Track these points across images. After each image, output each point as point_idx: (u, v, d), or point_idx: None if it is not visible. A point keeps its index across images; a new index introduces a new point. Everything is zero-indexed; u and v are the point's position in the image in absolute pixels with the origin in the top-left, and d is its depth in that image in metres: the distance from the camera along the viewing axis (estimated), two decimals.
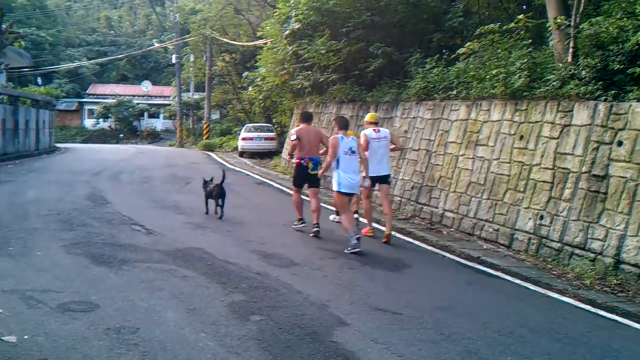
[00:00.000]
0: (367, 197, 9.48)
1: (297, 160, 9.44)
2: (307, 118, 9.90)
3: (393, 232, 9.32)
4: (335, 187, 8.60)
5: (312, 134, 9.48)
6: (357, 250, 7.96)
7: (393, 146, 9.69)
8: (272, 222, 10.23)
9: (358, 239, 8.08)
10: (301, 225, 9.45)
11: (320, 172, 9.26)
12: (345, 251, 7.99)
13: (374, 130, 9.35)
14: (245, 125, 28.58)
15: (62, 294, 5.45)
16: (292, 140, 9.56)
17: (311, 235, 8.98)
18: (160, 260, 6.95)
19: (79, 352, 4.22)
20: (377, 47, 14.20)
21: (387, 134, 9.51)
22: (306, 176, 9.42)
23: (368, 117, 9.87)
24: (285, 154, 19.77)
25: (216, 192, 10.16)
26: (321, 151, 9.51)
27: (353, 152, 8.44)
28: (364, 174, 8.92)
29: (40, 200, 10.97)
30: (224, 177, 10.33)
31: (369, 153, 9.03)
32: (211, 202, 10.34)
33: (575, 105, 8.22)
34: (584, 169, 7.82)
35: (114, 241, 7.82)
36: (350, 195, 8.73)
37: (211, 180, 10.55)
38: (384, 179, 9.33)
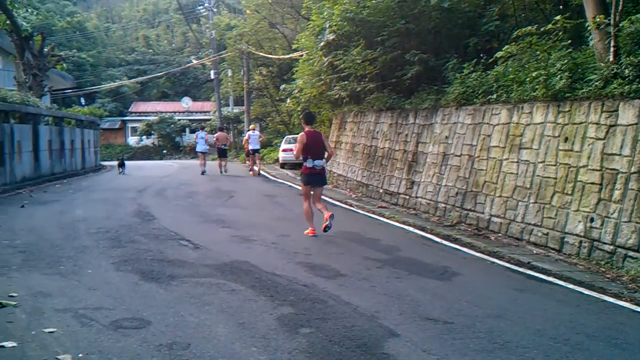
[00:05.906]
0: (251, 160, 23.78)
1: (218, 146, 23.99)
2: (202, 128, 27.12)
3: (441, 239, 9.68)
4: (196, 150, 25.21)
5: (222, 135, 24.34)
6: (202, 173, 23.46)
7: (261, 138, 24.05)
8: (317, 233, 10.22)
9: (203, 172, 23.41)
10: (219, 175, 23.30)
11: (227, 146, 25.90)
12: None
13: (252, 130, 23.39)
14: (286, 137, 28.77)
15: (114, 311, 5.54)
16: (215, 140, 24.20)
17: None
18: (208, 275, 7.03)
19: None
20: (413, 54, 14.13)
21: (258, 133, 23.97)
22: (221, 152, 24.01)
23: (251, 126, 25.12)
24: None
25: (120, 162, 24.55)
26: (229, 141, 27.33)
27: (202, 138, 24.26)
28: (207, 146, 25.01)
29: (89, 218, 11.23)
30: (123, 157, 25.24)
31: (250, 140, 22.86)
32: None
33: (620, 105, 8.02)
34: (633, 169, 7.61)
35: (162, 257, 7.94)
36: (203, 153, 23.98)
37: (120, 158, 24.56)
38: (256, 151, 23.39)
